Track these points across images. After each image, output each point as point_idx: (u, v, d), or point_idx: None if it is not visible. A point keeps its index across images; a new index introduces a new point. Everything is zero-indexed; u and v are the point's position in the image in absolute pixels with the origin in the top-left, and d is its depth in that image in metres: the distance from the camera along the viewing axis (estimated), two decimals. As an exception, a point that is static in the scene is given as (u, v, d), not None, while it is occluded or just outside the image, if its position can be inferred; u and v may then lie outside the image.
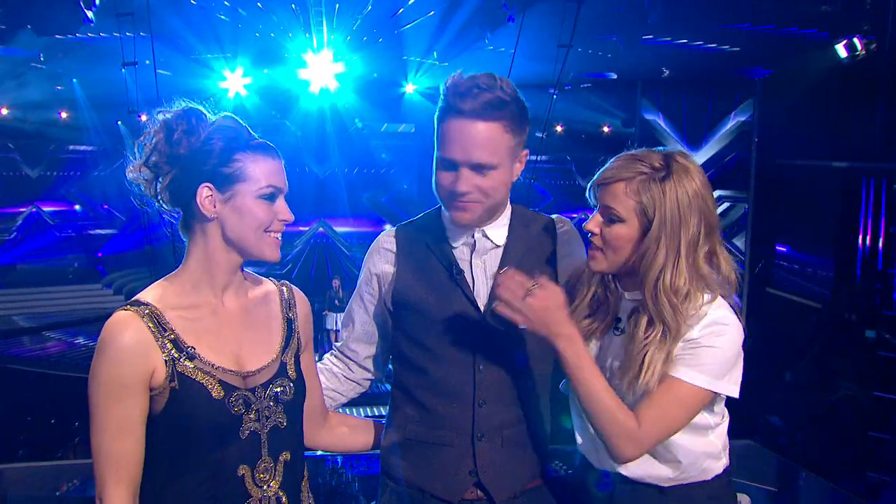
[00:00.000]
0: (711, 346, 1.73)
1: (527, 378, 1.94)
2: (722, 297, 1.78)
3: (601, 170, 1.81)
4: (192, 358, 1.57)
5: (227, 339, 1.64)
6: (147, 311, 1.55)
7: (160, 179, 1.61)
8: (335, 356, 2.18)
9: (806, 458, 6.36)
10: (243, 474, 1.61)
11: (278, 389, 1.67)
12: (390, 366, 2.13)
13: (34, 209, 17.94)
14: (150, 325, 1.54)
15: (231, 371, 1.61)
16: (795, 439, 7.60)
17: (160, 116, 1.61)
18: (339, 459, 4.81)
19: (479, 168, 1.80)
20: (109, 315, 1.56)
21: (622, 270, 1.82)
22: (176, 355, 1.55)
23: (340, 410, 2.19)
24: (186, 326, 1.59)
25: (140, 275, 15.97)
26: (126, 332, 1.52)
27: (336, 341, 2.20)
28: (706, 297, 1.75)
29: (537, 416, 1.99)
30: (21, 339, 14.00)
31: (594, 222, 1.80)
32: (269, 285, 1.80)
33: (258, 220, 1.60)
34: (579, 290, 1.91)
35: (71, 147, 17.07)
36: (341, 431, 2.04)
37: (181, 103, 1.64)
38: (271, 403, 1.65)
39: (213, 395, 1.57)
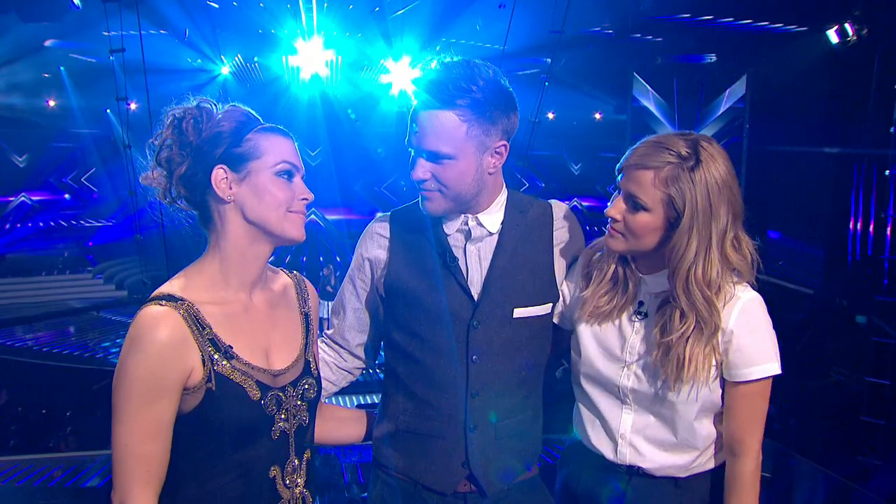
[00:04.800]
0: (759, 329, 1.76)
1: (520, 369, 1.92)
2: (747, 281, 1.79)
3: (626, 154, 1.77)
4: (229, 357, 1.51)
5: (259, 336, 1.60)
6: (184, 307, 1.48)
7: (174, 173, 1.56)
8: (326, 345, 2.14)
9: (799, 444, 6.39)
10: (274, 476, 1.58)
11: (305, 387, 1.65)
12: (382, 353, 2.10)
13: (23, 198, 17.80)
14: (188, 322, 1.47)
15: (264, 370, 1.57)
16: (789, 424, 7.64)
17: (170, 113, 1.58)
18: (331, 448, 4.80)
19: (433, 157, 1.79)
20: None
21: (639, 254, 1.81)
22: (214, 355, 1.49)
23: (328, 399, 2.16)
24: (222, 323, 1.53)
25: (130, 264, 15.93)
26: (163, 327, 1.44)
27: (327, 329, 2.16)
28: (734, 281, 1.76)
29: (531, 407, 1.97)
30: (12, 328, 13.93)
31: (616, 209, 1.77)
32: (284, 277, 1.77)
33: (277, 198, 1.55)
34: (598, 267, 1.89)
35: (59, 135, 16.92)
36: (334, 424, 2.00)
37: (191, 101, 1.60)
38: (298, 402, 1.62)
39: (251, 396, 1.52)
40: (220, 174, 1.54)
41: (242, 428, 1.52)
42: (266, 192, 1.55)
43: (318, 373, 1.72)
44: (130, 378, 1.43)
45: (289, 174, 1.58)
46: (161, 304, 1.47)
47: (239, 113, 1.59)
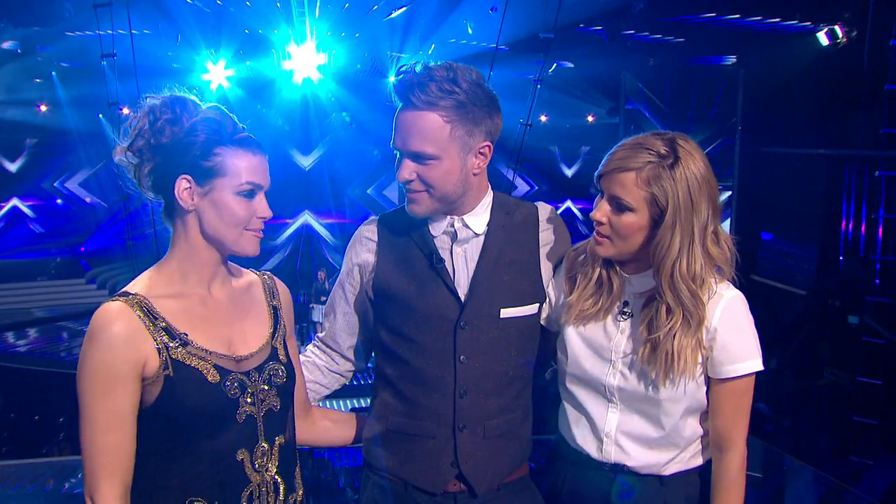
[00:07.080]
0: (743, 326, 1.78)
1: (509, 368, 1.93)
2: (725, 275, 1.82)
3: (606, 158, 1.80)
4: (185, 344, 1.56)
5: (218, 326, 1.64)
6: (137, 301, 1.54)
7: (144, 166, 1.61)
8: (318, 348, 2.15)
9: (792, 444, 6.41)
10: (242, 459, 1.61)
11: (272, 372, 1.68)
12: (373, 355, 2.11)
13: (15, 203, 17.73)
14: (141, 315, 1.53)
15: (224, 355, 1.61)
16: (782, 425, 7.66)
17: (148, 101, 1.61)
18: (324, 452, 4.79)
19: (417, 157, 1.81)
20: (94, 309, 1.54)
21: (627, 256, 1.83)
22: (169, 343, 1.54)
23: (322, 402, 2.18)
24: (177, 314, 1.58)
25: (123, 269, 15.87)
26: (117, 321, 1.50)
27: (319, 332, 2.18)
28: (716, 278, 1.78)
29: (520, 406, 1.97)
30: (4, 334, 13.88)
31: (602, 212, 1.79)
32: (251, 275, 1.81)
33: (235, 217, 1.59)
34: (583, 271, 1.90)
35: (51, 140, 16.85)
36: (324, 425, 2.02)
37: (169, 91, 1.63)
38: (265, 387, 1.66)
39: (209, 378, 1.56)
40: (183, 184, 1.58)
41: (205, 412, 1.56)
42: (226, 210, 1.59)
43: (288, 360, 1.75)
44: (87, 371, 1.50)
45: (250, 193, 1.61)
46: (115, 300, 1.54)
47: (213, 120, 1.60)
